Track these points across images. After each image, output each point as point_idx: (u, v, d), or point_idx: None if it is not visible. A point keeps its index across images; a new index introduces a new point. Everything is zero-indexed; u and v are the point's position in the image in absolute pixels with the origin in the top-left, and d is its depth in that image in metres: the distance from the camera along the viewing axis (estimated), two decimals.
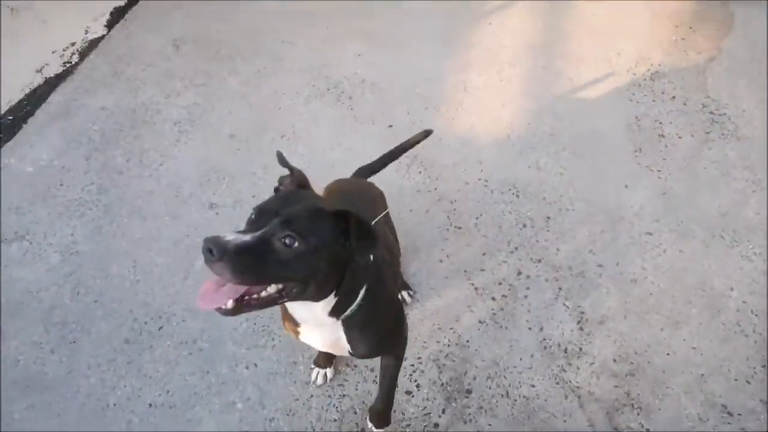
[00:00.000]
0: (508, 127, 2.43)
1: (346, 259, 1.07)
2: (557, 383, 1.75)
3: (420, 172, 2.30)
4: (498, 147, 2.37)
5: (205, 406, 1.74)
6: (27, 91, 2.77)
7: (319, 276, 1.03)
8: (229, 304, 1.00)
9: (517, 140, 2.39)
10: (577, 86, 2.61)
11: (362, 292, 1.18)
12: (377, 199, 1.66)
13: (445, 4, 3.03)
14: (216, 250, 0.93)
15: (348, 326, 1.22)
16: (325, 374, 1.77)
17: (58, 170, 2.43)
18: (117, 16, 3.16)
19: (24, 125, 2.62)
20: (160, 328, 1.93)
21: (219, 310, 1.00)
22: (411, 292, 1.95)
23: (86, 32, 3.05)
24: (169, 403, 1.76)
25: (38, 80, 2.82)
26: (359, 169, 1.84)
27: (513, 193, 2.22)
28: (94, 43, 3.00)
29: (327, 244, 1.01)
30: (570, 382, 1.75)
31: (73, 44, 2.99)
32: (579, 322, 1.87)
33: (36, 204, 2.31)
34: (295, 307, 1.16)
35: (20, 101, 2.73)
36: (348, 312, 1.17)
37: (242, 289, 1.00)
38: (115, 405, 1.77)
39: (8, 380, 1.82)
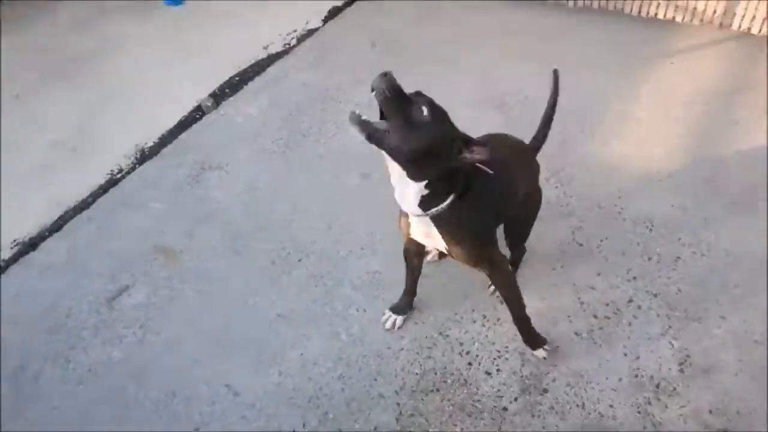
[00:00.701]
0: (660, 164, 2.40)
1: (448, 159, 1.37)
2: (638, 412, 1.73)
3: (556, 187, 2.39)
4: (644, 181, 2.35)
5: (317, 329, 2.08)
6: (252, 61, 3.47)
7: (422, 152, 1.33)
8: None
9: (668, 179, 2.35)
10: (755, 138, 2.45)
11: (449, 200, 1.44)
12: (527, 159, 1.89)
13: (630, 36, 3.04)
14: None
15: (437, 223, 1.51)
16: (395, 321, 2.01)
17: (260, 124, 3.02)
18: (333, 13, 3.76)
19: (245, 87, 3.30)
20: (300, 260, 2.33)
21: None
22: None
23: (306, 23, 3.70)
24: (291, 316, 2.14)
25: (262, 54, 3.51)
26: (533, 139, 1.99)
27: (647, 227, 2.20)
28: (310, 33, 3.62)
29: (442, 133, 1.34)
30: (653, 415, 1.72)
31: (294, 31, 3.64)
32: (681, 363, 1.82)
33: (237, 146, 2.91)
34: (397, 186, 1.47)
35: (246, 69, 3.42)
36: (433, 210, 1.45)
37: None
38: (253, 306, 2.20)
39: (191, 268, 2.37)
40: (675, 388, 1.77)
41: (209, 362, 2.06)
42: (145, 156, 2.98)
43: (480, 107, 2.84)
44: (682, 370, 1.80)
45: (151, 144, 3.04)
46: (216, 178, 2.76)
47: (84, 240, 2.59)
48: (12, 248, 2.63)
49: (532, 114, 2.78)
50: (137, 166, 2.92)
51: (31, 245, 2.62)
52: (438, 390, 1.86)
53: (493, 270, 1.70)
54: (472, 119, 2.79)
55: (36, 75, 3.78)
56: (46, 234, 2.66)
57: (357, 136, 1.39)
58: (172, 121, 3.14)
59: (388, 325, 2.04)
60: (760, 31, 2.84)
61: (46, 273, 2.48)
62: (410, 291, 2.02)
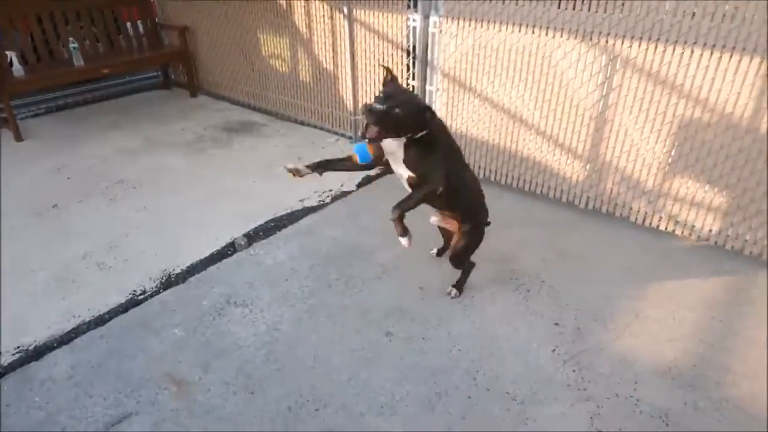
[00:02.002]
0: (671, 362, 2.50)
1: (421, 124, 2.36)
2: None
3: (574, 371, 2.46)
4: (657, 376, 2.43)
5: None
6: (288, 211, 3.73)
7: (407, 127, 2.33)
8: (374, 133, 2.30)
9: (679, 377, 2.43)
10: (748, 346, 2.60)
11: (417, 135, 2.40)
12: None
13: (635, 241, 3.36)
14: (372, 110, 2.23)
15: (405, 148, 2.43)
16: (408, 238, 2.56)
17: (288, 269, 3.15)
18: (366, 181, 4.14)
19: (278, 232, 3.50)
20: (317, 409, 2.27)
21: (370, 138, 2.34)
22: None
23: (341, 186, 4.06)
24: None
25: (298, 206, 3.79)
26: None
27: (662, 420, 2.22)
28: (344, 194, 3.95)
29: (413, 113, 2.30)
30: None
31: (330, 191, 3.98)
32: None
33: (264, 286, 3.00)
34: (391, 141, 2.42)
35: (281, 216, 3.67)
36: (404, 138, 2.41)
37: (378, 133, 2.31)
38: None
39: (201, 402, 2.30)
40: None
41: None
42: (170, 282, 3.04)
43: (503, 285, 3.02)
44: None
45: (179, 271, 3.13)
46: (239, 315, 2.80)
47: (92, 357, 2.53)
48: (14, 354, 2.55)
49: (549, 297, 2.98)
50: (161, 291, 2.97)
51: (35, 354, 2.55)
52: None
53: (425, 184, 2.48)
54: (492, 298, 2.98)
55: (79, 191, 4.00)
56: (54, 345, 2.60)
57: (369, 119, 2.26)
58: (203, 253, 3.27)
59: (404, 243, 2.57)
60: (750, 252, 3.19)
61: (45, 386, 2.38)
62: (327, 164, 2.71)
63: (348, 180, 4.13)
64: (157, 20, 6.09)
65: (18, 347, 2.59)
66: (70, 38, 5.21)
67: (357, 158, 2.51)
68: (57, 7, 5.36)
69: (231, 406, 2.29)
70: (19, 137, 4.90)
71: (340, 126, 4.99)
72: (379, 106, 2.22)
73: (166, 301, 2.89)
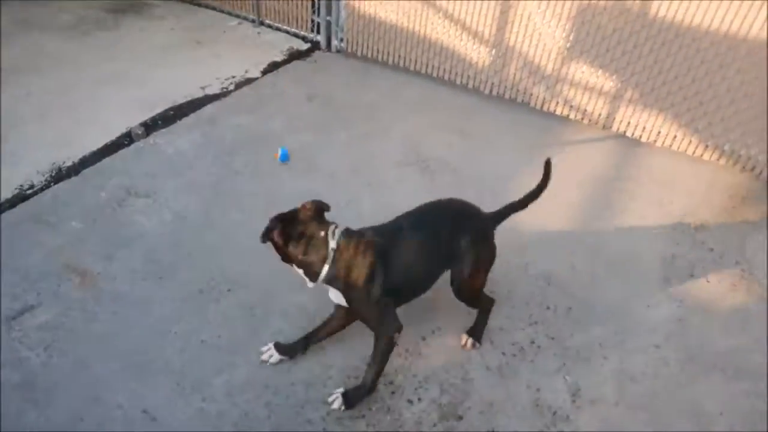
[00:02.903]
0: (555, 231, 2.79)
1: None
2: None
3: None
4: (542, 241, 2.71)
5: (244, 357, 2.08)
6: (189, 98, 3.52)
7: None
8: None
9: (560, 240, 2.73)
10: (625, 216, 2.95)
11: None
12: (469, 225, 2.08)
13: (532, 124, 3.56)
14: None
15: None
16: (271, 356, 2.07)
17: (192, 158, 3.05)
18: (272, 67, 3.96)
19: (178, 121, 3.32)
20: (229, 289, 2.34)
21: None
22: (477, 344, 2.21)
23: (246, 72, 3.85)
24: (218, 344, 2.12)
25: (199, 94, 3.58)
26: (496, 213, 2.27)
27: (545, 281, 2.52)
28: (248, 81, 3.77)
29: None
30: None
31: (233, 77, 3.78)
32: (573, 395, 2.08)
33: (167, 176, 2.91)
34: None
35: (181, 104, 3.47)
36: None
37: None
38: (175, 333, 2.16)
39: (107, 290, 2.28)
40: (568, 416, 2.01)
41: (124, 386, 1.97)
42: (61, 175, 2.85)
43: (407, 169, 3.12)
44: (573, 401, 2.06)
45: (70, 164, 2.93)
46: (142, 205, 2.71)
47: None
48: None
49: (452, 177, 3.14)
50: (52, 184, 2.79)
51: None
52: (363, 417, 1.94)
53: (379, 333, 1.94)
54: (399, 179, 3.09)
55: None
56: None
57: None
58: (96, 144, 3.06)
59: (264, 356, 2.07)
60: (632, 134, 3.49)
61: None
62: (312, 337, 2.11)
63: (253, 66, 3.93)
64: None
65: None
66: None
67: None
68: None
69: (140, 291, 2.30)
70: None
71: (242, 8, 4.62)
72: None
73: (58, 195, 2.73)
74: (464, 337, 2.23)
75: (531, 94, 3.70)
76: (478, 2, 3.53)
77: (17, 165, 2.88)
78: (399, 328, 1.92)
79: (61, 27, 4.29)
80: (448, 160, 3.22)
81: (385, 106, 3.67)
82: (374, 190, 2.95)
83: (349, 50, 4.22)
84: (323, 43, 4.28)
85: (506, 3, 3.45)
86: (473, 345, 2.21)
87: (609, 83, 3.41)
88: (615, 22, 3.22)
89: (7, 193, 2.71)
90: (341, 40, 4.23)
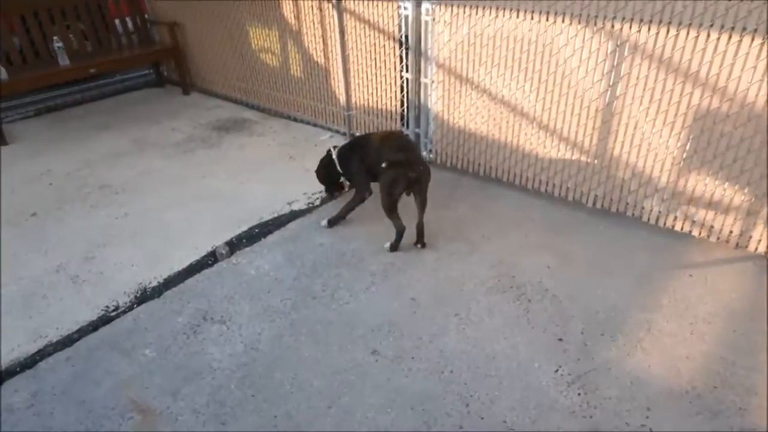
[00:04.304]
0: (688, 383, 2.25)
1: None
2: None
3: (579, 395, 2.22)
4: (672, 400, 2.19)
5: None
6: (275, 215, 3.51)
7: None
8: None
9: (697, 401, 2.19)
10: None
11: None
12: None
13: (647, 243, 3.09)
14: None
15: None
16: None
17: (272, 280, 2.94)
18: None
19: (262, 239, 3.29)
20: None
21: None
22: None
23: None
24: None
25: (286, 210, 3.57)
26: None
27: None
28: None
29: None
30: None
31: (320, 192, 3.76)
32: None
33: (244, 299, 2.80)
34: None
35: (267, 221, 3.46)
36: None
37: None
38: None
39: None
40: None
41: None
42: (145, 296, 2.85)
43: (499, 297, 2.78)
44: None
45: (155, 284, 2.93)
46: (215, 333, 2.60)
47: (56, 383, 2.35)
48: None
49: (552, 307, 2.74)
50: (135, 306, 2.78)
51: None
52: None
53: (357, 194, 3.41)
54: (490, 310, 2.73)
55: (60, 198, 3.83)
56: (17, 370, 2.42)
57: None
58: (182, 264, 3.07)
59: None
60: None
61: (2, 418, 2.20)
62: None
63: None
64: (146, 16, 5.89)
65: None
66: (54, 37, 5.03)
67: None
68: (41, 5, 5.18)
69: None
70: (3, 141, 4.75)
71: (333, 122, 4.76)
72: None
73: (139, 318, 2.70)
74: None
75: (643, 208, 3.27)
76: (576, 113, 3.29)
77: (105, 285, 2.93)
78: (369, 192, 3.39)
79: (170, 145, 4.64)
80: (546, 286, 2.83)
81: (474, 221, 3.42)
82: (461, 323, 2.62)
83: (438, 162, 4.10)
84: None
85: (608, 110, 3.17)
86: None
87: (740, 196, 2.92)
88: (743, 130, 2.79)
89: (92, 315, 2.73)
90: (430, 151, 4.13)
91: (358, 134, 3.99)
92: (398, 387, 2.29)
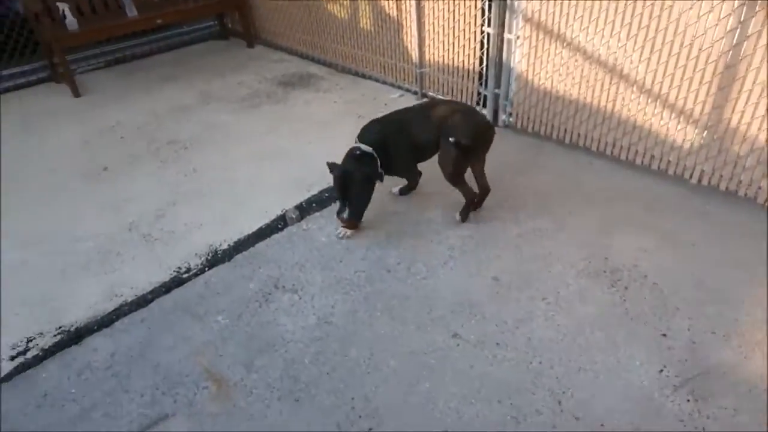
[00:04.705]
0: None
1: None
2: None
3: (689, 401, 1.98)
4: None
5: None
6: None
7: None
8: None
9: None
10: None
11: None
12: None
13: (761, 228, 2.74)
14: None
15: None
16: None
17: (343, 249, 2.80)
18: None
19: (333, 204, 3.14)
20: (370, 429, 1.96)
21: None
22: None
23: None
24: None
25: None
26: None
27: None
28: None
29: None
30: None
31: None
32: None
33: (316, 269, 2.68)
34: None
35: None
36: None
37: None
38: None
39: (242, 408, 2.04)
40: None
41: None
42: (216, 259, 2.78)
43: (590, 282, 2.53)
44: None
45: (225, 247, 2.86)
46: (287, 302, 2.50)
47: (132, 345, 2.33)
48: (55, 336, 2.39)
49: (652, 296, 2.47)
50: (206, 269, 2.72)
51: (76, 337, 2.38)
52: None
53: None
54: (582, 295, 2.49)
55: (130, 152, 3.80)
56: (95, 328, 2.42)
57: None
58: (251, 227, 2.98)
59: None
60: None
61: (83, 376, 2.20)
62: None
63: None
64: None
65: (59, 328, 2.43)
66: None
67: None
68: None
69: (274, 416, 2.02)
70: (76, 93, 4.77)
71: (404, 80, 4.48)
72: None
73: (210, 282, 2.64)
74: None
75: (759, 188, 2.89)
76: (688, 77, 2.89)
77: (176, 245, 2.89)
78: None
79: (236, 100, 4.52)
80: (643, 272, 2.56)
81: (560, 194, 3.14)
82: (549, 308, 2.40)
83: (519, 126, 3.79)
84: (489, 118, 3.91)
85: (729, 74, 2.76)
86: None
87: None
88: None
89: (165, 276, 2.69)
90: (510, 114, 3.82)
91: (414, 104, 3.06)
92: (482, 375, 2.13)
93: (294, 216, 3.02)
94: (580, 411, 1.98)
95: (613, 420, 1.94)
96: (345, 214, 2.74)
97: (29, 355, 2.30)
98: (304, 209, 3.09)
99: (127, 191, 3.37)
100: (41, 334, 2.40)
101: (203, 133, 3.99)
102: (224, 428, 1.98)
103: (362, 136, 2.79)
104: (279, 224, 3.00)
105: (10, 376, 2.21)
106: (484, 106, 3.91)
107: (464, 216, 2.92)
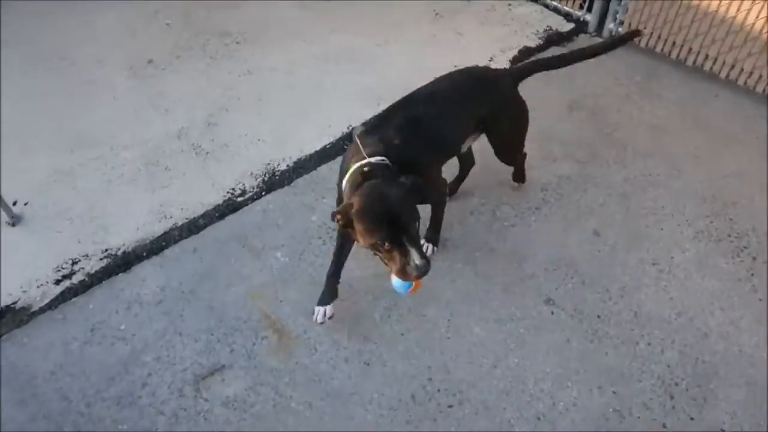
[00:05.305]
0: None
1: None
2: None
3: None
4: None
5: None
6: None
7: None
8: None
9: None
10: None
11: None
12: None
13: None
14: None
15: None
16: (325, 311, 1.91)
17: None
18: (523, 55, 3.11)
19: None
20: (450, 406, 1.73)
21: None
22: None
23: (490, 59, 3.07)
24: None
25: None
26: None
27: None
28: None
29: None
30: None
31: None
32: None
33: None
34: None
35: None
36: None
37: None
38: None
39: (305, 366, 1.83)
40: None
41: None
42: (274, 181, 2.47)
43: (717, 245, 2.13)
44: None
45: (284, 167, 2.53)
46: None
47: (184, 279, 2.10)
48: (101, 259, 2.19)
49: None
50: (263, 193, 2.42)
51: (123, 263, 2.17)
52: None
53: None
54: (699, 263, 2.06)
55: (178, 44, 3.37)
56: (143, 255, 2.20)
57: None
58: (314, 145, 2.62)
59: (319, 318, 1.91)
60: None
61: (132, 311, 2.01)
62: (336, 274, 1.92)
63: (499, 52, 3.13)
64: None
65: (106, 251, 2.22)
66: None
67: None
68: None
69: (342, 379, 1.80)
70: None
71: None
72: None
73: (268, 210, 2.35)
74: None
75: None
76: None
77: (231, 162, 2.56)
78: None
79: None
80: None
81: (678, 131, 2.62)
82: (661, 276, 2.04)
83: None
84: (592, 25, 3.26)
85: None
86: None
87: None
88: None
89: (218, 198, 2.41)
90: (620, 23, 3.16)
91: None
92: (581, 354, 1.84)
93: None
94: (696, 410, 1.69)
95: (735, 425, 1.65)
96: (417, 260, 1.49)
97: (75, 280, 2.12)
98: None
99: (175, 91, 2.98)
100: (87, 256, 2.20)
101: (259, 27, 3.47)
102: (286, 390, 1.78)
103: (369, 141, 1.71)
104: (345, 144, 2.62)
105: (55, 303, 2.04)
106: (589, 10, 3.24)
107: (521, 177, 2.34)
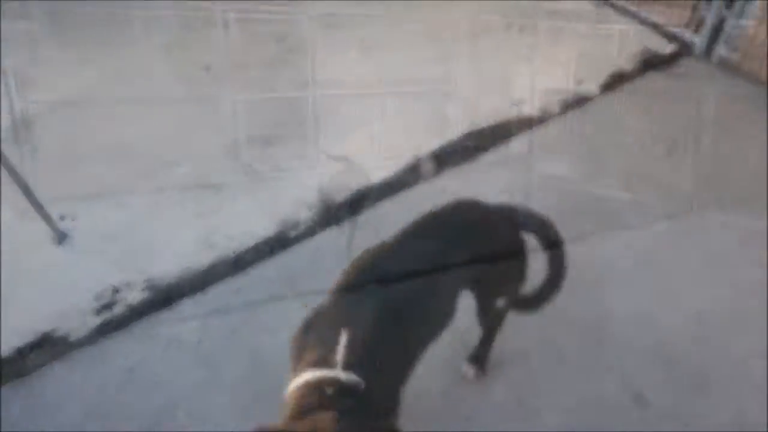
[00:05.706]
0: None
1: None
2: None
3: None
4: None
5: None
6: (495, 121, 2.59)
7: None
8: None
9: None
10: None
11: None
12: None
13: None
14: None
15: None
16: None
17: None
18: (615, 80, 2.76)
19: (478, 156, 2.44)
20: None
21: None
22: None
23: (579, 83, 2.74)
24: None
25: (510, 113, 2.62)
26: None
27: None
28: (580, 100, 2.67)
29: None
30: None
31: (558, 91, 2.70)
32: None
33: None
34: None
35: (482, 131, 2.56)
36: None
37: None
38: None
39: None
40: None
41: None
42: (330, 215, 2.26)
43: None
44: None
45: (341, 200, 2.32)
46: None
47: (224, 323, 1.94)
48: (143, 290, 2.05)
49: None
50: (317, 228, 2.21)
51: (165, 298, 2.03)
52: None
53: None
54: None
55: (233, 45, 3.20)
56: (185, 291, 2.04)
57: None
58: (375, 174, 2.39)
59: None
60: None
61: (170, 352, 1.86)
62: None
63: (588, 74, 2.78)
64: None
65: (148, 280, 2.08)
66: None
67: None
68: None
69: None
70: None
71: None
72: None
73: (322, 249, 2.14)
74: None
75: None
76: None
77: (284, 187, 2.37)
78: None
79: None
80: None
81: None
82: None
83: (745, 65, 2.73)
84: (699, 47, 2.86)
85: None
86: None
87: None
88: None
89: (268, 229, 2.22)
90: (732, 47, 2.74)
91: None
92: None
93: (429, 167, 2.38)
94: None
95: None
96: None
97: (116, 311, 1.99)
98: (442, 158, 2.42)
99: (230, 102, 2.82)
100: (128, 285, 2.06)
101: (317, 32, 3.26)
102: None
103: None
104: (410, 177, 2.38)
105: (95, 337, 1.91)
106: (696, 30, 2.84)
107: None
